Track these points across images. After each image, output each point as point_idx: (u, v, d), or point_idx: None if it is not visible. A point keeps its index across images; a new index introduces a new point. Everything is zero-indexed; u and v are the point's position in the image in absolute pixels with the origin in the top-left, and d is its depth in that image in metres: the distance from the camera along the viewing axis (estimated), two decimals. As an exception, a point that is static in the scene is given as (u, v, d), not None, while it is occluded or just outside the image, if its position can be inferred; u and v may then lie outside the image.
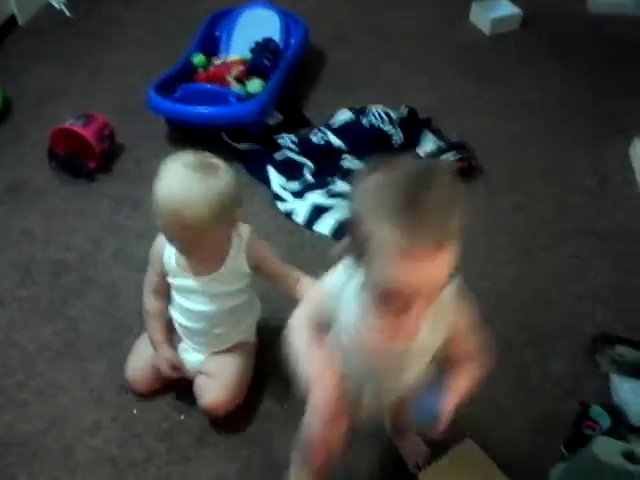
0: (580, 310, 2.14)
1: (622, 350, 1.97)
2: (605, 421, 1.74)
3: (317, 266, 2.20)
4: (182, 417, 1.78)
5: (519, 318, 2.10)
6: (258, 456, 1.71)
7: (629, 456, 1.48)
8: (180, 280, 1.64)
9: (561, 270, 2.29)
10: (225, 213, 1.47)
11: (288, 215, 2.45)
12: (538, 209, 2.54)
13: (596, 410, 1.78)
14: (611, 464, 1.48)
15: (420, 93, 3.04)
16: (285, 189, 2.54)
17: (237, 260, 1.61)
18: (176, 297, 1.70)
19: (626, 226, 2.47)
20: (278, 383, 1.82)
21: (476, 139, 2.75)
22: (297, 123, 2.86)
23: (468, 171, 2.61)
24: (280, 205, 2.48)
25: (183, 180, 1.42)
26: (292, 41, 3.08)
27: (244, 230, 1.63)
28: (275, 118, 2.83)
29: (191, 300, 1.67)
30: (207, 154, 1.53)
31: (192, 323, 1.71)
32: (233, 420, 1.75)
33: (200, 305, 1.66)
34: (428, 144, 2.72)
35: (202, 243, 1.50)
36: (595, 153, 2.80)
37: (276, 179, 2.57)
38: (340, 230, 2.36)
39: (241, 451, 1.72)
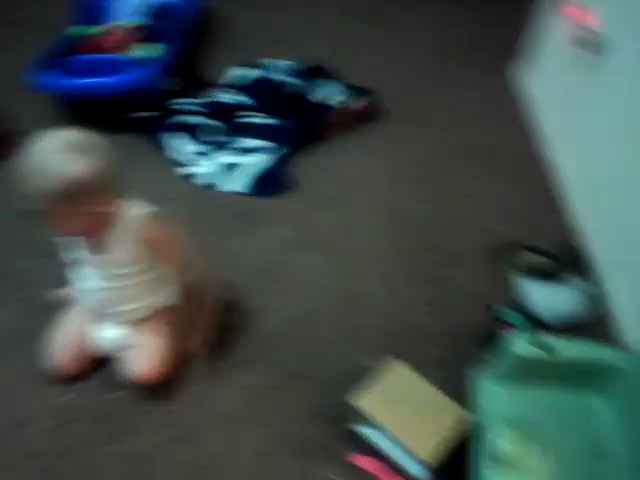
0: (484, 226, 2.28)
1: (526, 256, 2.11)
2: (518, 322, 1.88)
3: (222, 224, 2.25)
4: (116, 394, 1.75)
5: (430, 240, 2.22)
6: (200, 415, 1.72)
7: (545, 348, 1.61)
8: (75, 254, 1.63)
9: (464, 192, 2.43)
10: (86, 191, 1.41)
11: (192, 179, 2.42)
12: (440, 139, 2.68)
13: (508, 313, 1.91)
14: (530, 358, 1.60)
15: (319, 44, 3.10)
16: (187, 153, 2.50)
17: (124, 246, 1.57)
18: (78, 274, 1.67)
19: (515, 148, 2.64)
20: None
21: (378, 81, 2.85)
22: (198, 86, 2.80)
23: (373, 113, 2.72)
24: (182, 170, 2.45)
25: (44, 155, 1.37)
26: (187, 2, 3.00)
27: (136, 215, 1.58)
28: (176, 83, 2.76)
29: (88, 278, 1.66)
30: (81, 132, 1.44)
31: (97, 300, 1.70)
32: (168, 385, 1.75)
33: (97, 282, 1.65)
34: (334, 93, 2.75)
35: (67, 221, 1.46)
36: (486, 82, 2.97)
37: (175, 144, 2.52)
38: (256, 184, 2.38)
39: (180, 414, 1.72)
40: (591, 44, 2.20)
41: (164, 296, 1.77)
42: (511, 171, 2.53)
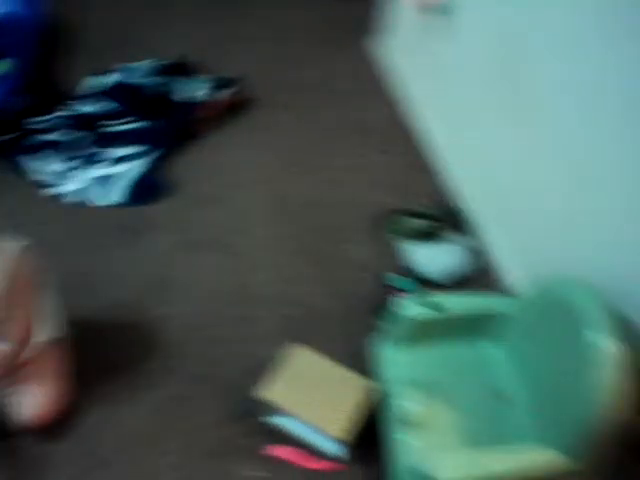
0: (366, 199, 2.33)
1: (407, 221, 2.17)
2: (408, 286, 1.93)
3: (102, 241, 2.16)
4: (12, 440, 1.65)
5: (317, 221, 2.24)
6: (107, 442, 1.65)
7: (434, 307, 1.67)
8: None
9: (343, 168, 2.46)
10: None
11: (61, 198, 2.30)
12: (313, 120, 2.70)
13: (398, 279, 1.96)
14: (422, 319, 1.66)
15: (178, 40, 3.03)
16: (52, 172, 2.36)
17: None
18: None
19: (386, 119, 2.71)
20: (107, 367, 1.76)
21: (246, 70, 2.82)
22: (54, 100, 2.65)
23: (242, 102, 2.70)
24: (49, 191, 2.32)
25: None
26: (29, 12, 2.80)
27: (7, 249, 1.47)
28: (29, 99, 2.58)
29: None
30: None
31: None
32: (66, 421, 1.67)
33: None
34: (198, 87, 2.69)
35: None
36: (350, 60, 3.03)
37: (38, 165, 2.38)
38: (132, 192, 2.30)
39: (86, 446, 1.65)
40: (437, 8, 2.28)
41: (45, 331, 1.66)
42: (385, 142, 2.59)
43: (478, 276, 2.06)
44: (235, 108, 2.67)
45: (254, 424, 1.67)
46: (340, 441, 1.56)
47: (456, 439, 1.52)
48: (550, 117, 1.77)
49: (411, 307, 1.67)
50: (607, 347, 1.31)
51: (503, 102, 2.00)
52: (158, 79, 2.71)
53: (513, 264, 2.00)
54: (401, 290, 1.92)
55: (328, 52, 3.08)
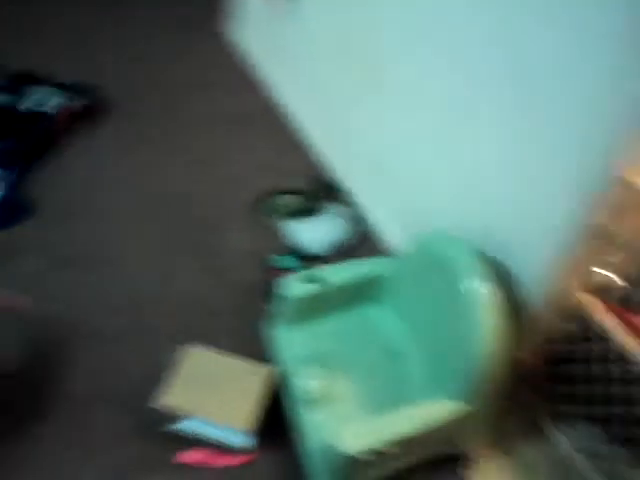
0: (244, 185, 2.29)
1: (284, 200, 2.17)
2: (293, 265, 1.93)
3: None
4: None
5: (197, 214, 2.19)
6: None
7: (317, 281, 1.68)
8: None
9: (215, 158, 2.42)
10: None
11: None
12: (178, 116, 2.62)
13: (282, 259, 1.96)
14: (307, 295, 1.66)
15: (21, 50, 2.80)
16: None
17: None
18: None
19: (252, 104, 2.68)
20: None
21: (104, 73, 2.70)
22: None
23: (98, 109, 2.57)
24: None
25: None
26: None
27: None
28: None
29: None
30: None
31: None
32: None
33: None
34: (48, 97, 2.52)
35: None
36: (208, 52, 2.96)
37: None
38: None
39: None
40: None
41: None
42: (253, 126, 2.56)
43: (361, 243, 2.10)
44: (91, 115, 2.54)
45: (160, 434, 1.62)
46: (247, 432, 1.54)
47: (359, 407, 1.55)
48: (397, 82, 1.81)
49: (296, 285, 1.67)
50: (480, 292, 1.37)
51: (356, 73, 2.03)
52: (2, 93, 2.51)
53: (392, 226, 2.05)
54: (286, 270, 1.92)
55: (185, 46, 3.00)
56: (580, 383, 1.54)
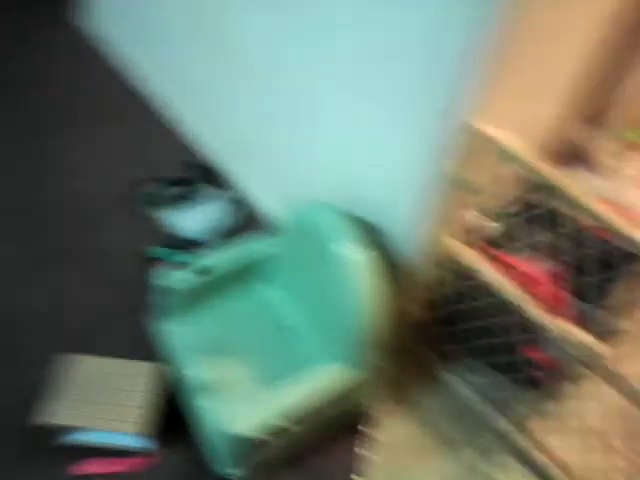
0: (114, 178, 2.19)
1: (162, 189, 2.09)
2: (174, 254, 1.87)
3: None
4: None
5: (58, 219, 2.06)
6: None
7: (201, 270, 1.63)
8: None
9: (80, 153, 2.29)
10: None
11: None
12: (30, 110, 2.43)
13: (165, 251, 1.89)
14: (191, 285, 1.61)
15: None
16: None
17: None
18: None
19: (113, 91, 2.55)
20: None
21: None
22: None
23: None
24: None
25: None
26: None
27: None
28: None
29: None
30: None
31: None
32: None
33: None
34: None
35: None
36: (58, 39, 2.76)
37: None
38: None
39: None
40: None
41: None
42: (120, 116, 2.44)
43: (245, 224, 2.06)
44: None
45: (49, 450, 1.54)
46: (142, 434, 1.49)
47: (254, 387, 1.53)
48: (261, 55, 1.77)
49: (179, 276, 1.61)
50: (350, 254, 1.37)
51: (217, 49, 1.96)
52: None
53: (273, 202, 2.03)
54: (169, 261, 1.85)
55: (34, 37, 2.78)
56: (461, 322, 1.59)
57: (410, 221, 1.43)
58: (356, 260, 1.37)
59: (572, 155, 2.10)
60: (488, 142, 1.16)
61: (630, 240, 1.01)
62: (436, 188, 1.30)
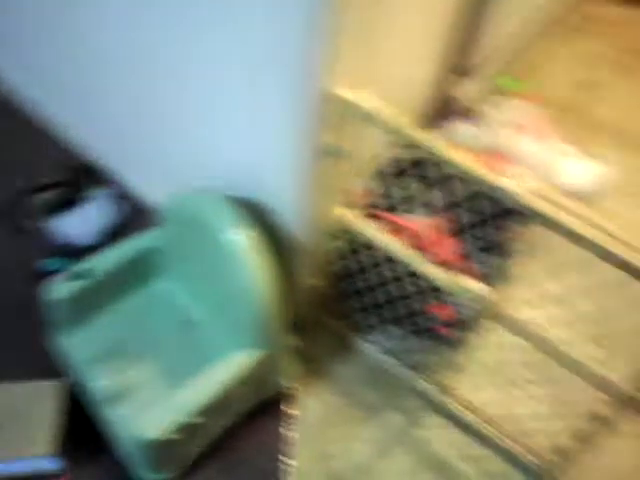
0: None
1: (41, 196, 1.97)
2: (61, 265, 1.77)
3: None
4: None
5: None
6: None
7: (85, 275, 1.55)
8: None
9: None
10: None
11: None
12: None
13: (50, 262, 1.79)
14: (75, 294, 1.53)
15: None
16: None
17: None
18: None
19: None
20: None
21: None
22: None
23: None
24: None
25: None
26: None
27: None
28: None
29: None
30: None
31: None
32: None
33: None
34: None
35: None
36: None
37: None
38: None
39: None
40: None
41: None
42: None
43: (133, 221, 1.97)
44: None
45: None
46: (54, 455, 1.42)
47: (161, 387, 1.49)
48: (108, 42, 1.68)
49: (64, 286, 1.53)
50: (235, 238, 1.34)
51: (76, 48, 1.84)
52: None
53: (157, 194, 1.95)
54: (58, 271, 1.75)
55: None
56: (366, 290, 1.60)
57: (296, 196, 1.41)
58: (240, 243, 1.34)
59: (450, 108, 2.16)
60: (348, 106, 1.15)
61: (495, 188, 1.03)
62: (312, 158, 1.28)
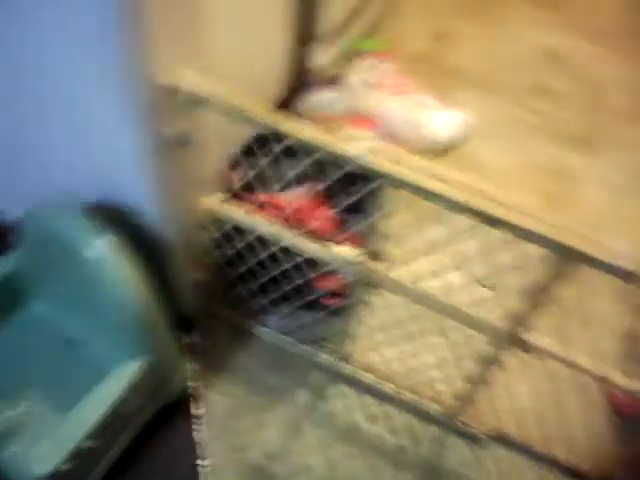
0: None
1: None
2: None
3: None
4: None
5: None
6: None
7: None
8: None
9: None
10: None
11: None
12: None
13: None
14: None
15: None
16: None
17: None
18: None
19: None
20: None
21: None
22: None
23: None
24: None
25: None
26: None
27: None
28: None
29: None
30: None
31: None
32: None
33: None
34: None
35: None
36: None
37: None
38: None
39: None
40: None
41: None
42: None
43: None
44: None
45: None
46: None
47: (52, 418, 1.39)
48: None
49: None
50: (97, 250, 1.26)
51: None
52: None
53: (17, 212, 1.81)
54: None
55: None
56: (249, 276, 1.57)
57: (152, 192, 1.34)
58: (102, 254, 1.26)
59: (309, 78, 2.14)
60: (180, 93, 1.09)
61: (336, 154, 1.01)
62: (158, 152, 1.21)
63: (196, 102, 1.10)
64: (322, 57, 2.12)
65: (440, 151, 2.21)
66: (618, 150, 2.38)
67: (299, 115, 2.00)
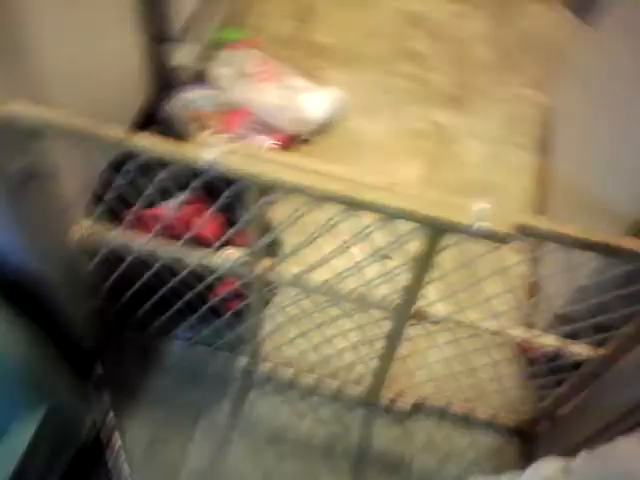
0: None
1: None
2: None
3: None
4: None
5: None
6: None
7: None
8: None
9: None
10: None
11: None
12: None
13: None
14: None
15: None
16: None
17: None
18: None
19: None
20: None
21: None
22: None
23: None
24: None
25: None
26: None
27: None
28: None
29: None
30: None
31: None
32: None
33: None
34: None
35: None
36: None
37: None
38: None
39: None
40: None
41: None
42: None
43: None
44: None
45: None
46: None
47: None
48: None
49: None
50: None
51: None
52: None
53: None
54: None
55: None
56: (147, 295, 1.50)
57: (15, 235, 1.24)
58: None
59: (175, 77, 2.06)
60: (13, 126, 0.99)
61: (194, 165, 0.96)
62: (8, 190, 1.11)
63: (34, 133, 1.01)
64: (184, 54, 2.04)
65: (319, 131, 2.19)
66: (489, 104, 2.45)
67: (170, 116, 1.93)
